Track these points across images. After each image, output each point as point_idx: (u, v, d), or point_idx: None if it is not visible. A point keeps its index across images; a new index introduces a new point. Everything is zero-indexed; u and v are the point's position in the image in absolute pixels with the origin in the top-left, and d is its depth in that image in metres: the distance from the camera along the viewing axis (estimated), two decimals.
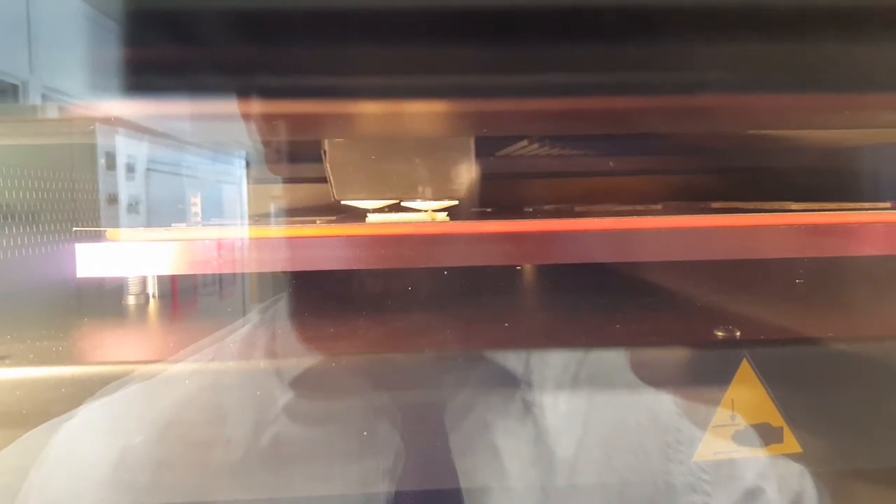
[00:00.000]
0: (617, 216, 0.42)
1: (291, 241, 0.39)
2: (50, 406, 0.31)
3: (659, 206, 0.66)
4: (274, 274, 0.44)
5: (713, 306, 0.44)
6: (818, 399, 0.34)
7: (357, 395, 0.33)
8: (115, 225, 0.41)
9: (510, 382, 0.33)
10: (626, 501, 0.33)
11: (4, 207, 0.53)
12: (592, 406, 0.33)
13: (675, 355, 0.34)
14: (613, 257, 0.40)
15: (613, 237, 0.40)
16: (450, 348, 0.35)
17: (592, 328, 0.39)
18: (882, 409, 0.34)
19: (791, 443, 0.34)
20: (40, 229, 0.57)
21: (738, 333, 0.35)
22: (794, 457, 0.33)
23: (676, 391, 0.33)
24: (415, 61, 0.38)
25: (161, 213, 0.64)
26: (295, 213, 0.66)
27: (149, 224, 0.59)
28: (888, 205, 0.51)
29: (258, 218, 0.69)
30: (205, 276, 0.52)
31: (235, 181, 0.68)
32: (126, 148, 0.60)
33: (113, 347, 0.39)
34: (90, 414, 0.31)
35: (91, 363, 0.32)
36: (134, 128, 0.50)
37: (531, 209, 0.67)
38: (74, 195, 0.63)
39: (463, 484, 0.33)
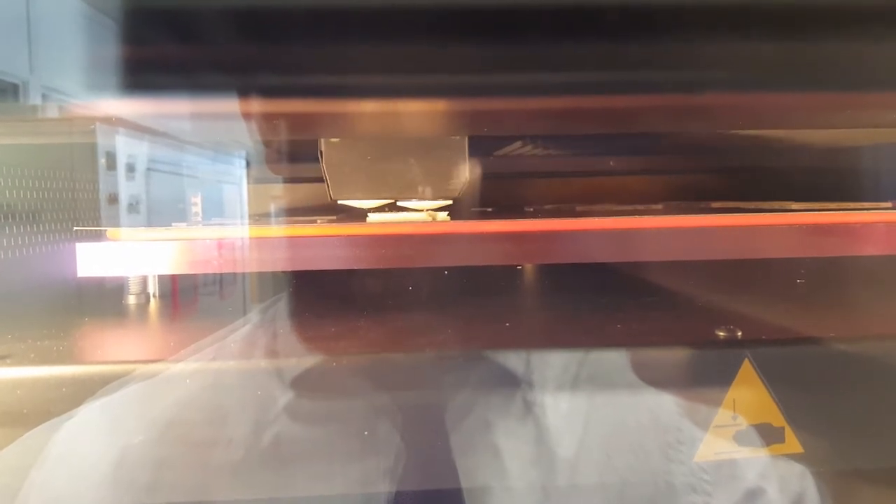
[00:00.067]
0: (617, 216, 0.42)
1: (292, 241, 0.39)
2: (51, 405, 0.31)
3: (659, 206, 0.66)
4: (274, 273, 0.44)
5: (714, 306, 0.44)
6: (820, 399, 0.34)
7: (358, 395, 0.33)
8: (116, 225, 0.41)
9: (511, 382, 0.33)
10: (626, 501, 0.33)
11: (5, 207, 0.53)
12: (593, 406, 0.33)
13: (676, 355, 0.34)
14: (614, 257, 0.40)
15: (614, 237, 0.40)
16: (450, 348, 0.35)
17: (593, 328, 0.39)
18: (883, 409, 0.34)
19: (792, 443, 0.34)
20: (41, 229, 0.57)
21: (739, 333, 0.35)
22: (796, 457, 0.33)
23: (677, 391, 0.33)
24: (412, 60, 0.38)
25: (161, 212, 0.64)
26: (295, 212, 0.66)
27: (149, 224, 0.59)
28: (889, 204, 0.51)
29: (258, 218, 0.69)
30: (205, 275, 0.52)
31: (236, 181, 0.68)
32: (126, 148, 0.60)
33: (113, 347, 0.39)
34: (91, 413, 0.31)
35: (92, 363, 0.32)
36: (134, 127, 0.49)
37: (532, 209, 0.67)
38: (75, 195, 0.63)
39: (464, 484, 0.33)
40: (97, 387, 0.31)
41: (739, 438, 0.33)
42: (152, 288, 0.49)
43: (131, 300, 0.48)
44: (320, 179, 0.50)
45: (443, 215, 0.49)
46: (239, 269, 0.40)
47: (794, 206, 0.54)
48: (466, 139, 0.48)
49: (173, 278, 0.51)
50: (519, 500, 0.33)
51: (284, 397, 0.32)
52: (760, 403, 0.33)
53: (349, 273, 0.40)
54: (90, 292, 0.50)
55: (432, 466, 0.32)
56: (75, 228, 0.61)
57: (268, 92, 0.38)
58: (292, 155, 0.62)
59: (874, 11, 0.37)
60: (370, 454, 0.32)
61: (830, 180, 0.62)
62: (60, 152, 0.61)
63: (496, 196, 0.68)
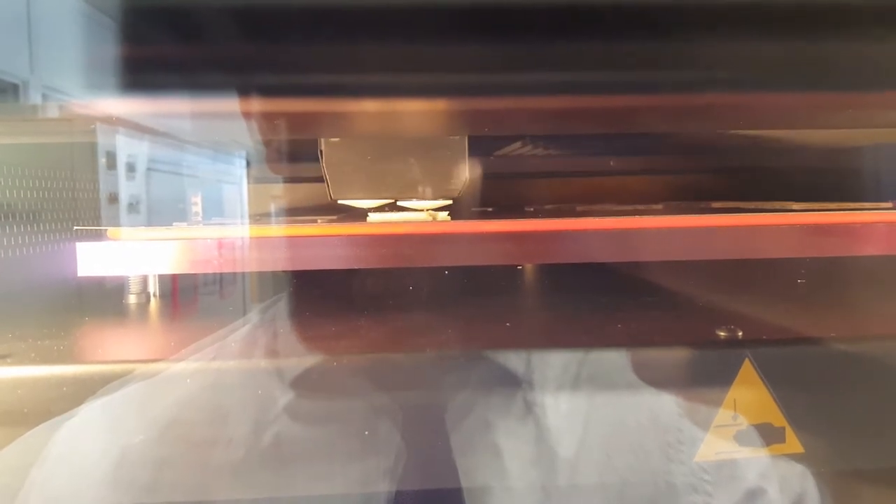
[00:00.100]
0: (618, 216, 0.42)
1: (292, 241, 0.39)
2: (51, 405, 0.31)
3: (660, 206, 0.66)
4: (274, 273, 0.44)
5: (715, 306, 0.44)
6: (820, 399, 0.34)
7: (358, 395, 0.33)
8: (116, 224, 0.41)
9: (511, 382, 0.33)
10: (626, 501, 0.33)
11: (6, 206, 0.53)
12: (593, 406, 0.33)
13: (676, 355, 0.34)
14: (614, 257, 0.40)
15: (615, 237, 0.40)
16: (451, 348, 0.35)
17: (593, 328, 0.39)
18: (884, 409, 0.34)
19: (793, 443, 0.34)
20: (41, 228, 0.57)
21: (740, 333, 0.35)
22: (796, 457, 0.33)
23: (678, 391, 0.33)
24: (412, 59, 0.38)
25: (162, 212, 0.64)
26: (296, 212, 0.66)
27: (149, 224, 0.59)
28: (889, 204, 0.51)
29: (259, 217, 0.69)
30: (205, 275, 0.52)
31: (236, 181, 0.68)
32: (127, 147, 0.60)
33: (114, 346, 0.39)
34: (91, 413, 0.31)
35: (92, 362, 0.32)
36: (134, 127, 0.49)
37: (532, 209, 0.67)
38: (75, 194, 0.63)
39: (464, 483, 0.33)
40: (98, 386, 0.31)
41: (740, 438, 0.33)
42: (153, 287, 0.49)
43: (132, 300, 0.48)
44: (320, 179, 0.50)
45: (443, 215, 0.49)
46: (239, 269, 0.40)
47: (795, 206, 0.54)
48: (466, 139, 0.48)
49: (173, 278, 0.51)
50: (519, 500, 0.33)
51: (284, 397, 0.32)
52: (761, 403, 0.33)
53: (349, 273, 0.40)
54: (90, 292, 0.50)
55: (433, 466, 0.32)
56: (75, 228, 0.61)
57: (267, 91, 0.38)
58: (292, 154, 0.62)
59: (875, 11, 0.37)
60: (370, 454, 0.32)
61: (831, 180, 0.62)
62: (61, 152, 0.61)
63: (496, 196, 0.68)
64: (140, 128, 0.49)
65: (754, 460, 0.33)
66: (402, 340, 0.37)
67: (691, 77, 0.40)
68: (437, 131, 0.49)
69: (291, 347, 0.35)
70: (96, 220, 0.64)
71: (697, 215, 0.41)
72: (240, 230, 0.40)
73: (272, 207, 0.73)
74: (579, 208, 0.64)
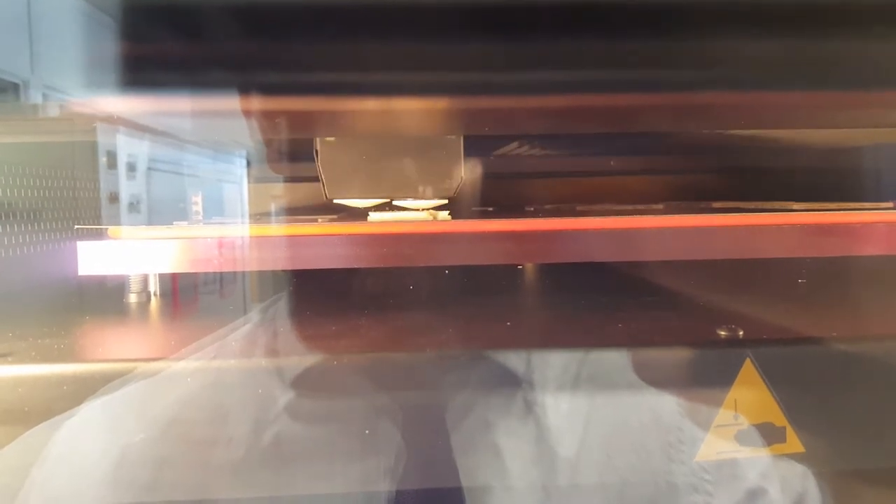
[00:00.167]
0: (618, 216, 0.42)
1: (293, 240, 0.39)
2: (52, 404, 0.31)
3: (660, 206, 0.66)
4: (275, 272, 0.44)
5: (715, 306, 0.44)
6: (821, 399, 0.34)
7: (358, 394, 0.33)
8: (116, 223, 0.41)
9: (511, 382, 0.33)
10: (627, 501, 0.33)
11: (7, 205, 0.53)
12: (594, 406, 0.33)
13: (677, 355, 0.34)
14: (615, 257, 0.40)
15: (615, 236, 0.40)
16: (451, 347, 0.35)
17: (594, 328, 0.39)
18: (885, 409, 0.34)
19: (794, 443, 0.33)
20: (42, 227, 0.57)
21: (740, 333, 0.35)
22: (797, 457, 0.33)
23: (679, 391, 0.33)
24: (412, 57, 0.38)
25: (162, 211, 0.64)
26: (296, 211, 0.66)
27: (150, 223, 0.59)
28: (890, 204, 0.51)
29: (259, 217, 0.69)
30: (206, 274, 0.52)
31: (236, 180, 0.68)
32: (127, 147, 0.60)
33: (114, 345, 0.39)
34: (92, 412, 0.31)
35: (93, 361, 0.32)
36: (135, 126, 0.49)
37: (532, 208, 0.67)
38: (76, 193, 0.63)
39: (464, 483, 0.33)
40: (98, 385, 0.31)
41: (741, 438, 0.33)
42: (153, 286, 0.49)
43: (132, 299, 0.48)
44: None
45: (444, 214, 0.49)
46: (240, 268, 0.40)
47: (795, 206, 0.54)
48: (462, 139, 0.48)
49: (174, 277, 0.51)
50: (520, 500, 0.33)
51: (285, 396, 0.32)
52: (762, 403, 0.33)
53: (350, 272, 0.40)
54: (91, 291, 0.50)
55: (433, 466, 0.32)
56: (76, 227, 0.61)
57: (267, 89, 0.38)
58: (293, 154, 0.62)
59: (876, 9, 0.37)
60: (371, 453, 0.32)
61: (831, 180, 0.62)
62: (61, 151, 0.61)
63: (496, 196, 0.68)
64: (141, 127, 0.49)
65: (755, 460, 0.33)
66: (403, 340, 0.37)
67: (692, 76, 0.40)
68: (436, 130, 0.49)
69: (292, 347, 0.35)
70: (97, 219, 0.64)
71: (698, 215, 0.41)
72: (240, 229, 0.40)
73: (272, 207, 0.73)
74: (579, 208, 0.64)
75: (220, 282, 0.53)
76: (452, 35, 0.36)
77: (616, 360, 0.34)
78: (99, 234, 0.41)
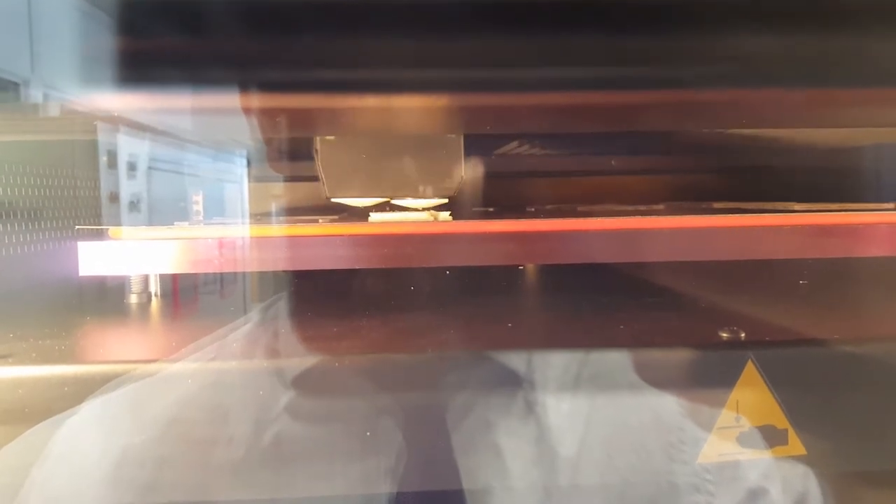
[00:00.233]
0: (620, 216, 0.42)
1: (293, 240, 0.39)
2: (52, 405, 0.31)
3: (661, 207, 0.66)
4: (275, 273, 0.44)
5: (717, 307, 0.44)
6: (823, 401, 0.34)
7: (359, 395, 0.32)
8: (117, 223, 0.41)
9: (512, 382, 0.33)
10: (628, 501, 0.33)
11: (7, 205, 0.53)
12: (595, 406, 0.33)
13: (679, 356, 0.34)
14: (617, 258, 0.40)
15: (617, 237, 0.40)
16: (452, 348, 0.34)
17: (595, 328, 0.39)
18: (887, 411, 0.34)
19: (796, 445, 0.33)
20: (42, 227, 0.57)
21: (742, 335, 0.35)
22: (799, 459, 0.33)
23: (680, 392, 0.33)
24: (413, 55, 0.37)
25: (163, 211, 0.64)
26: (297, 211, 0.66)
27: (150, 222, 0.58)
28: (891, 205, 0.51)
29: (260, 217, 0.69)
30: (206, 274, 0.52)
31: (237, 179, 0.68)
32: (128, 146, 0.60)
33: (115, 346, 0.39)
34: (92, 411, 0.31)
35: (93, 362, 0.32)
36: (135, 126, 0.49)
37: (533, 209, 0.67)
38: (76, 193, 0.63)
39: (465, 484, 0.33)
40: (99, 386, 0.31)
41: (743, 440, 0.33)
42: (154, 287, 0.49)
43: (133, 299, 0.48)
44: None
45: (445, 215, 0.49)
46: (240, 269, 0.40)
47: (797, 206, 0.53)
48: (462, 137, 0.48)
49: (174, 277, 0.51)
50: (520, 500, 0.33)
51: (285, 397, 0.32)
52: (764, 405, 0.33)
53: (350, 272, 0.40)
54: (91, 291, 0.50)
55: (434, 466, 0.32)
56: (77, 227, 0.61)
57: (268, 86, 0.38)
58: (293, 153, 0.62)
59: (878, 7, 0.37)
60: (371, 454, 0.32)
61: (832, 181, 0.62)
62: (62, 150, 0.61)
63: (497, 196, 0.68)
64: (141, 126, 0.49)
65: (756, 461, 0.33)
66: (404, 340, 0.37)
67: (693, 73, 0.39)
68: (438, 129, 0.49)
69: (292, 347, 0.35)
70: (97, 218, 0.64)
71: (699, 216, 0.41)
72: (241, 230, 0.40)
73: (273, 206, 0.73)
74: (580, 208, 0.64)
75: (221, 282, 0.53)
76: (453, 32, 0.36)
77: (617, 360, 0.34)
78: (99, 235, 0.41)
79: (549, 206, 0.71)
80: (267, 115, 0.43)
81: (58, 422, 0.31)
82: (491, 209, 0.61)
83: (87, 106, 0.41)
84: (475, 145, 0.50)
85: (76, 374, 0.31)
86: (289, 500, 0.32)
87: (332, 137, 0.48)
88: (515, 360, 0.33)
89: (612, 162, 0.72)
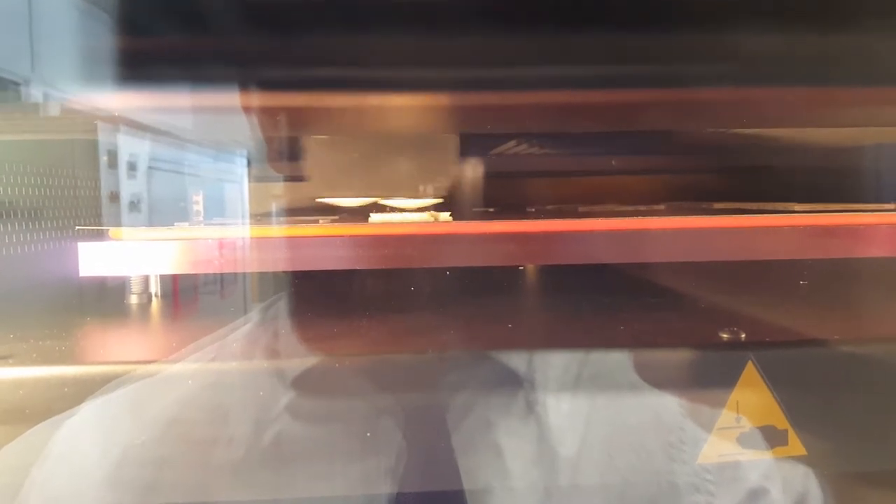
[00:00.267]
0: (620, 216, 0.42)
1: (294, 241, 0.39)
2: (52, 405, 0.31)
3: (662, 207, 0.66)
4: (275, 273, 0.44)
5: (717, 307, 0.44)
6: (823, 402, 0.34)
7: (359, 395, 0.32)
8: (117, 222, 0.41)
9: (513, 382, 0.33)
10: (628, 501, 0.33)
11: (7, 204, 0.53)
12: (595, 406, 0.33)
13: (679, 356, 0.34)
14: (618, 258, 0.40)
15: (617, 238, 0.40)
16: (452, 348, 0.34)
17: (596, 328, 0.39)
18: (887, 411, 0.34)
19: (796, 445, 0.33)
20: (42, 226, 0.57)
21: (742, 335, 0.35)
22: (799, 459, 0.33)
23: (681, 392, 0.33)
24: (414, 53, 0.37)
25: (163, 211, 0.64)
26: (297, 212, 0.66)
27: (150, 222, 0.58)
28: (892, 205, 0.51)
29: (260, 217, 0.69)
30: (206, 275, 0.52)
31: (237, 179, 0.68)
32: (128, 145, 0.60)
33: (116, 347, 0.39)
34: (92, 412, 0.31)
35: (93, 362, 0.32)
36: (135, 125, 0.49)
37: (534, 209, 0.67)
38: (76, 192, 0.63)
39: (465, 484, 0.33)
40: (99, 387, 0.31)
41: (743, 440, 0.33)
42: (154, 287, 0.49)
43: (133, 299, 0.48)
44: None
45: (445, 215, 0.49)
46: (241, 269, 0.40)
47: (797, 207, 0.53)
48: (456, 137, 0.47)
49: (174, 278, 0.51)
50: (521, 500, 0.33)
51: (285, 397, 0.32)
52: (764, 405, 0.33)
53: (351, 273, 0.40)
54: (91, 291, 0.50)
55: (434, 466, 0.32)
56: (77, 228, 0.61)
57: (268, 85, 0.38)
58: (294, 152, 0.62)
59: (879, 6, 0.37)
60: (372, 454, 0.32)
61: (833, 181, 0.62)
62: (62, 150, 0.61)
63: (497, 196, 0.68)
64: (141, 126, 0.49)
65: (757, 462, 0.33)
66: (404, 340, 0.37)
67: (694, 72, 0.39)
68: (439, 128, 0.49)
69: (292, 347, 0.35)
70: (97, 218, 0.64)
71: (700, 216, 0.41)
72: (241, 230, 0.40)
73: (273, 207, 0.73)
74: (581, 209, 0.64)
75: (221, 282, 0.53)
76: (452, 30, 0.36)
77: (618, 360, 0.34)
78: (100, 235, 0.41)
79: (549, 207, 0.71)
80: (267, 114, 0.43)
81: (58, 422, 0.31)
82: (491, 209, 0.61)
83: (88, 105, 0.41)
84: (474, 145, 0.49)
85: (76, 375, 0.31)
86: (289, 501, 0.32)
87: (319, 136, 0.47)
88: (516, 360, 0.33)
89: (613, 162, 0.72)
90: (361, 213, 0.50)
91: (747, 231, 0.40)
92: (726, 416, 0.33)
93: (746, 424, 0.33)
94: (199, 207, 0.66)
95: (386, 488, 0.32)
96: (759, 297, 0.48)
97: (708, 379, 0.34)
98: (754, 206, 0.59)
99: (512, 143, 0.60)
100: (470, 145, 0.50)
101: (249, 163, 0.67)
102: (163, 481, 0.31)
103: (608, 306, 0.44)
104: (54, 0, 0.42)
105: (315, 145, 0.48)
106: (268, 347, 0.35)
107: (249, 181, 0.68)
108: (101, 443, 0.31)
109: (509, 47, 0.37)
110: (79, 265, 0.39)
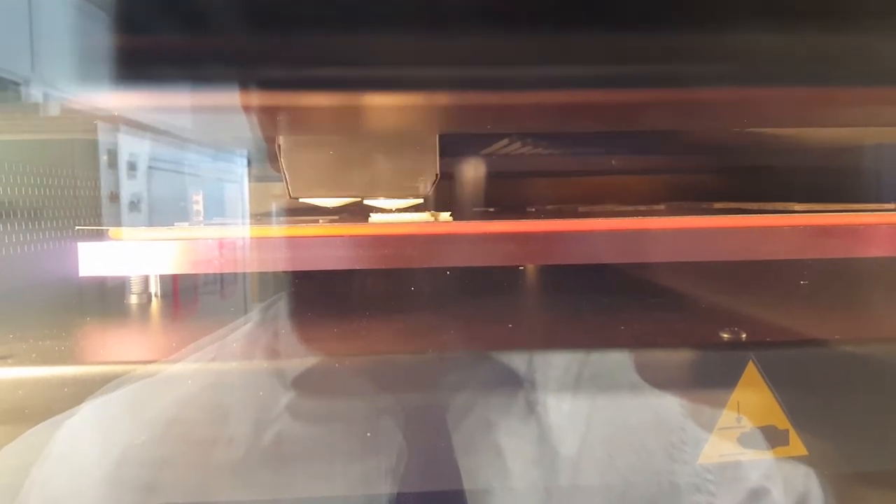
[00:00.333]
0: (620, 216, 0.42)
1: (294, 241, 0.39)
2: (52, 406, 0.31)
3: (662, 207, 0.66)
4: (275, 273, 0.44)
5: (718, 307, 0.44)
6: (824, 402, 0.34)
7: (360, 395, 0.32)
8: (117, 222, 0.41)
9: (513, 382, 0.33)
10: (629, 502, 0.33)
11: (6, 204, 0.53)
12: (596, 406, 0.33)
13: (680, 357, 0.34)
14: (618, 258, 0.40)
15: (618, 238, 0.40)
16: (453, 348, 0.34)
17: (596, 328, 0.39)
18: (888, 411, 0.34)
19: (797, 445, 0.33)
20: (42, 226, 0.57)
21: (743, 335, 0.35)
22: (800, 459, 0.33)
23: (681, 393, 0.33)
24: (415, 52, 0.37)
25: (163, 210, 0.64)
26: (297, 211, 0.66)
27: (150, 222, 0.58)
28: (892, 205, 0.51)
29: (260, 217, 0.69)
30: (206, 275, 0.52)
31: (237, 179, 0.68)
32: (128, 145, 0.60)
33: (115, 347, 0.39)
34: (92, 411, 0.31)
35: (93, 362, 0.32)
36: (135, 125, 0.49)
37: (534, 209, 0.67)
38: (76, 192, 0.63)
39: (466, 484, 0.33)
40: (99, 387, 0.31)
41: (744, 440, 0.33)
42: (154, 287, 0.49)
43: (133, 299, 0.48)
44: None
45: (445, 215, 0.49)
46: (241, 269, 0.40)
47: (798, 206, 0.53)
48: (437, 136, 0.46)
49: (174, 278, 0.51)
50: (521, 501, 0.33)
51: (286, 397, 0.32)
52: (765, 406, 0.33)
53: (351, 273, 0.40)
54: (91, 291, 0.50)
55: (435, 466, 0.32)
56: (77, 228, 0.61)
57: (269, 84, 0.38)
58: None
59: (880, 6, 0.37)
60: (372, 454, 0.32)
61: (833, 181, 0.62)
62: (62, 149, 0.61)
63: (497, 196, 0.68)
64: (141, 126, 0.49)
65: (758, 462, 0.33)
66: (404, 340, 0.37)
67: (694, 72, 0.39)
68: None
69: (292, 347, 0.35)
70: (97, 218, 0.64)
71: (700, 217, 0.41)
72: (241, 230, 0.40)
73: (273, 206, 0.73)
74: (581, 208, 0.64)
75: (221, 282, 0.53)
76: (451, 30, 0.36)
77: (618, 360, 0.34)
78: (100, 235, 0.41)
79: (549, 207, 0.71)
80: (267, 114, 0.43)
81: (58, 422, 0.31)
82: (491, 209, 0.61)
83: (88, 105, 0.41)
84: (475, 145, 0.49)
85: (76, 375, 0.31)
86: (289, 501, 0.32)
87: (295, 136, 0.46)
88: (516, 360, 0.33)
89: (613, 162, 0.72)
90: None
91: (747, 231, 0.40)
92: (727, 416, 0.33)
93: (747, 424, 0.33)
94: (199, 207, 0.66)
95: (386, 488, 0.32)
96: (759, 297, 0.48)
97: (709, 379, 0.34)
98: (754, 206, 0.59)
99: (504, 141, 0.59)
100: (469, 145, 0.49)
101: (249, 163, 0.67)
102: (163, 481, 0.31)
103: (608, 306, 0.44)
104: (56, 1, 0.42)
105: (280, 143, 0.46)
106: (268, 347, 0.35)
107: (249, 181, 0.68)
108: (101, 443, 0.31)
109: (510, 47, 0.37)
110: (78, 265, 0.38)
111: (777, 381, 0.33)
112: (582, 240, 0.40)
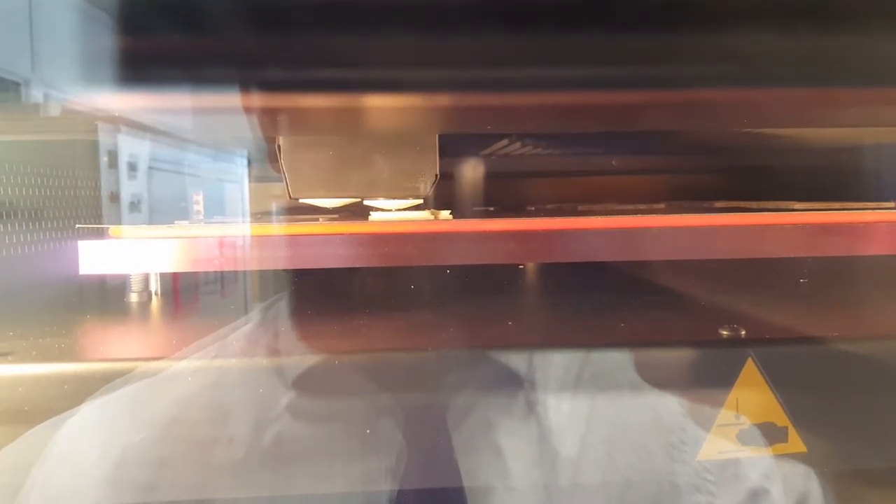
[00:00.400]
0: (621, 215, 0.42)
1: (294, 239, 0.39)
2: (53, 403, 0.31)
3: (662, 206, 0.66)
4: (276, 272, 0.44)
5: (717, 305, 0.44)
6: (823, 399, 0.34)
7: (360, 394, 0.32)
8: (117, 223, 0.41)
9: (513, 381, 0.33)
10: (629, 501, 0.33)
11: (7, 204, 0.53)
12: (596, 406, 0.33)
13: (679, 355, 0.34)
14: (618, 256, 0.40)
15: (618, 236, 0.40)
16: (453, 347, 0.34)
17: (596, 327, 0.39)
18: (887, 409, 0.34)
19: (796, 443, 0.33)
20: (43, 226, 0.57)
21: (742, 333, 0.35)
22: (799, 457, 0.33)
23: (681, 391, 0.33)
24: (415, 52, 0.37)
25: (163, 211, 0.64)
26: (297, 212, 0.66)
27: (151, 222, 0.58)
28: (892, 204, 0.51)
29: (260, 216, 0.69)
30: (207, 273, 0.52)
31: (237, 179, 0.68)
32: (128, 146, 0.60)
33: (116, 345, 0.39)
34: (93, 411, 0.31)
35: (94, 360, 0.32)
36: (135, 126, 0.49)
37: (533, 208, 0.67)
38: (77, 192, 0.63)
39: (466, 483, 0.32)
40: (99, 385, 0.31)
41: (743, 438, 0.33)
42: (154, 286, 0.49)
43: (133, 298, 0.48)
44: None
45: (445, 214, 0.49)
46: (241, 268, 0.40)
47: (797, 205, 0.54)
48: (436, 136, 0.47)
49: (175, 276, 0.51)
50: (521, 500, 0.33)
51: (286, 396, 0.32)
52: (764, 403, 0.33)
53: (351, 271, 0.40)
54: (92, 290, 0.50)
55: (434, 466, 0.32)
56: (77, 226, 0.61)
57: (269, 85, 0.38)
58: None
59: (880, 6, 0.37)
60: (372, 453, 0.32)
61: (833, 180, 0.62)
62: (62, 150, 0.61)
63: (497, 195, 0.68)
64: (142, 126, 0.49)
65: (757, 460, 0.33)
66: (404, 339, 0.37)
67: (694, 72, 0.39)
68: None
69: (293, 346, 0.35)
70: (98, 218, 0.64)
71: (700, 215, 0.41)
72: (241, 228, 0.40)
73: (273, 206, 0.73)
74: (581, 208, 0.64)
75: (221, 281, 0.53)
76: (451, 30, 0.36)
77: (618, 359, 0.34)
78: (100, 234, 0.41)
79: (549, 206, 0.71)
80: (267, 114, 0.43)
81: (58, 422, 0.31)
82: (491, 209, 0.61)
83: (88, 106, 0.41)
84: (475, 145, 0.49)
85: (76, 373, 0.31)
86: (289, 499, 0.32)
87: (295, 136, 0.46)
88: (516, 359, 0.33)
89: (613, 162, 0.72)
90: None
91: (747, 229, 0.40)
92: (726, 414, 0.33)
93: (746, 422, 0.33)
94: (200, 207, 0.66)
95: (386, 488, 0.32)
96: (758, 295, 0.48)
97: (708, 377, 0.34)
98: (754, 204, 0.59)
99: (511, 143, 0.60)
100: (469, 145, 0.49)
101: (250, 163, 0.67)
102: (163, 481, 0.31)
103: (608, 305, 0.44)
104: (54, 0, 0.42)
105: (279, 143, 0.46)
106: (268, 347, 0.35)
107: (249, 181, 0.68)
108: (101, 443, 0.31)
109: (510, 48, 0.37)
110: (79, 263, 0.39)
111: (776, 378, 0.33)
112: (582, 238, 0.40)
